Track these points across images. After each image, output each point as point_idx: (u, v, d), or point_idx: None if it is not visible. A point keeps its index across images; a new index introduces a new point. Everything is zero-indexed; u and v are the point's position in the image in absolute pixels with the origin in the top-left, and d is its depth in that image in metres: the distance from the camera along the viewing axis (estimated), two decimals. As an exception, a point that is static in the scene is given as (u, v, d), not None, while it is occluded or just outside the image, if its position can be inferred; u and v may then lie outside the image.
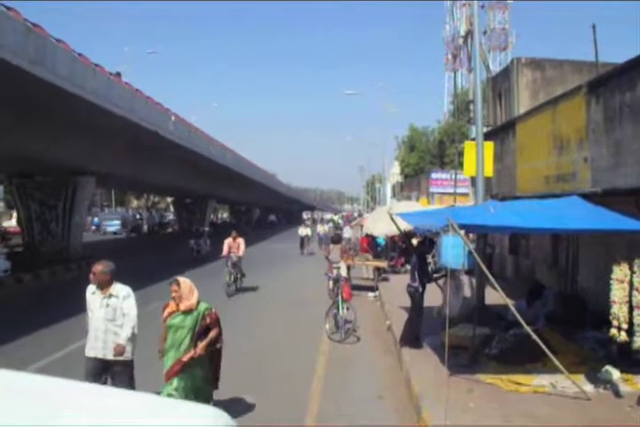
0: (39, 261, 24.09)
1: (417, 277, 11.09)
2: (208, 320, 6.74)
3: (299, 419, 7.52)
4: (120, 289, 7.08)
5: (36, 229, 27.09)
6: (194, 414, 1.56)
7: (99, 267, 7.01)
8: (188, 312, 6.66)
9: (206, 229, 39.69)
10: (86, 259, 27.48)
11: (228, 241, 18.67)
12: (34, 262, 23.64)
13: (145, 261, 28.76)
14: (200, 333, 6.68)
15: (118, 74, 22.03)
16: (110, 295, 6.98)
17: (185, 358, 6.50)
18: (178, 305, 6.70)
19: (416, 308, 11.01)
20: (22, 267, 22.50)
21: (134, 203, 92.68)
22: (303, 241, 35.85)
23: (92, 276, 7.06)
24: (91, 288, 7.17)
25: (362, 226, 26.65)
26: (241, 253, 18.60)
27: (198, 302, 6.76)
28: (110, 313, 6.94)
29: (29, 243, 27.34)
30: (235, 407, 7.30)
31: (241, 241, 18.70)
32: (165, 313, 6.81)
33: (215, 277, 19.45)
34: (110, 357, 6.88)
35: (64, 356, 10.50)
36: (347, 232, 31.81)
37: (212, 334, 6.77)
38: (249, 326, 13.56)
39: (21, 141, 20.21)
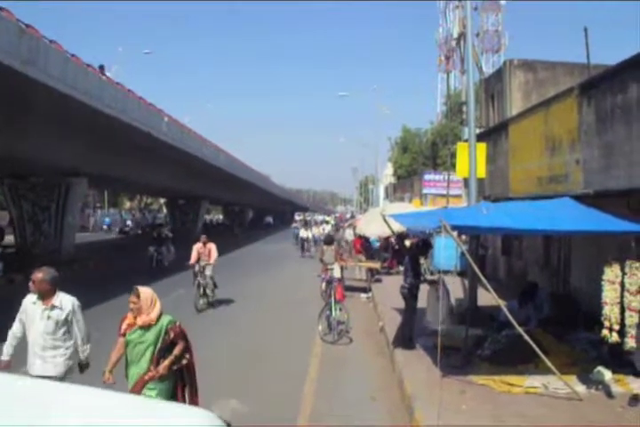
0: (31, 262, 23.98)
1: (409, 277, 11.10)
2: (172, 335, 6.00)
3: (291, 421, 7.51)
4: (65, 300, 6.34)
5: (28, 229, 27.04)
6: (183, 414, 1.56)
7: (39, 274, 6.24)
8: (147, 327, 5.94)
9: (169, 233, 31.61)
10: (79, 260, 27.50)
11: (196, 247, 16.40)
12: (26, 263, 23.53)
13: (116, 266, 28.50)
14: (163, 349, 5.95)
15: (101, 67, 21.42)
16: (53, 307, 6.24)
17: (147, 378, 5.85)
18: (136, 318, 5.98)
19: (409, 309, 11.02)
20: (14, 268, 22.42)
21: (127, 204, 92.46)
22: (304, 243, 35.45)
23: (31, 284, 6.33)
24: (31, 298, 6.39)
25: (355, 227, 26.67)
26: (212, 260, 16.25)
27: (160, 316, 6.03)
28: (51, 326, 6.23)
29: (22, 244, 27.27)
30: (221, 411, 7.28)
31: (212, 247, 16.45)
32: (124, 326, 6.06)
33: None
34: (51, 373, 6.29)
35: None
36: (348, 234, 31.34)
37: (177, 350, 6.00)
38: (239, 329, 13.55)
39: (13, 142, 20.14)
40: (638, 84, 7.89)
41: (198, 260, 16.18)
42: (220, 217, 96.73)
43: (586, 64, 15.21)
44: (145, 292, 6.07)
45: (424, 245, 12.55)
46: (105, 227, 67.35)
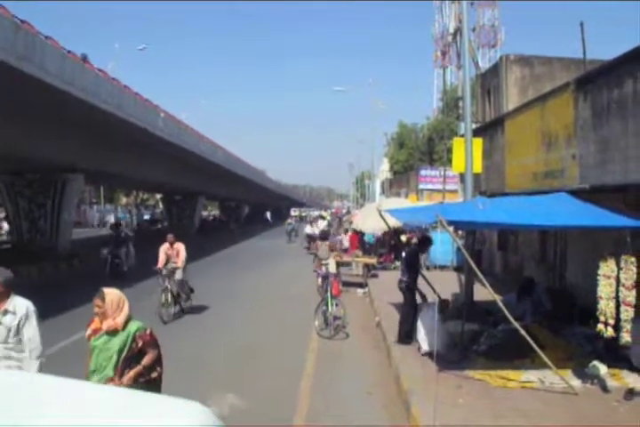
0: (28, 259, 23.97)
1: (407, 272, 11.14)
2: (140, 343, 5.45)
3: (288, 416, 7.53)
4: (20, 305, 5.72)
5: (24, 226, 26.99)
6: (177, 408, 1.57)
7: None
8: (113, 333, 5.42)
9: (130, 233, 27.27)
10: (76, 256, 27.49)
11: (163, 248, 14.47)
12: (22, 260, 23.52)
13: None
14: (130, 358, 5.41)
15: (84, 56, 20.82)
16: (5, 311, 5.63)
17: None
18: (102, 323, 5.46)
19: (408, 304, 11.06)
20: (10, 264, 22.36)
21: (123, 200, 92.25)
22: (310, 239, 34.07)
23: None
24: None
25: (351, 222, 26.71)
26: (180, 262, 14.37)
27: (128, 321, 5.48)
28: (2, 334, 5.62)
29: (18, 240, 27.24)
30: (218, 406, 7.29)
31: (180, 247, 14.56)
32: (89, 331, 5.57)
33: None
34: None
35: (54, 353, 10.45)
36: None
37: (147, 360, 5.47)
38: (235, 325, 13.57)
39: (9, 138, 20.11)
40: (634, 79, 7.90)
41: (167, 263, 14.39)
42: (216, 213, 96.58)
43: (582, 59, 15.21)
44: (111, 294, 5.49)
45: (425, 241, 12.52)
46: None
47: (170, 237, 14.71)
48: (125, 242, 22.81)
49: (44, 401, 1.54)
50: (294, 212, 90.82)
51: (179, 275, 14.41)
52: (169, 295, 13.95)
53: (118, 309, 5.43)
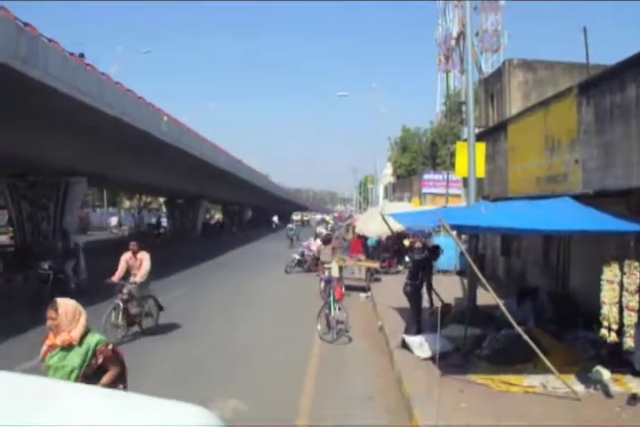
0: (30, 262, 23.98)
1: (415, 277, 11.26)
2: (101, 359, 4.98)
3: (290, 420, 7.52)
4: None
5: (27, 229, 27.02)
6: (180, 412, 1.56)
7: None
8: (68, 348, 4.91)
9: (79, 243, 21.70)
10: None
11: (125, 257, 12.53)
12: (25, 262, 23.53)
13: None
14: (89, 375, 4.90)
15: (82, 55, 20.70)
16: None
17: None
18: (56, 337, 4.93)
19: (414, 307, 11.13)
20: (13, 267, 22.40)
21: (126, 203, 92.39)
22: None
23: None
24: None
25: (354, 226, 26.66)
26: (139, 276, 12.24)
27: (86, 334, 4.95)
28: None
29: (21, 243, 27.26)
30: (221, 410, 7.28)
31: (144, 257, 12.55)
32: (44, 347, 5.04)
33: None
34: None
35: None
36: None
37: (107, 377, 5.00)
38: (238, 329, 13.55)
39: (13, 141, 20.14)
40: (637, 83, 7.90)
41: (127, 275, 12.46)
42: (220, 216, 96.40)
43: (585, 64, 15.22)
44: (65, 304, 4.93)
45: (435, 250, 12.52)
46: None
47: (133, 244, 12.75)
48: (74, 253, 19.55)
49: (44, 404, 1.53)
50: (296, 216, 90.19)
51: (137, 290, 12.30)
52: (120, 315, 11.80)
53: (74, 320, 4.89)
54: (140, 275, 12.32)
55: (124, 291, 12.05)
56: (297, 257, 25.01)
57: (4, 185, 27.02)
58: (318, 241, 24.39)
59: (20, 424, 1.42)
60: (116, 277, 12.21)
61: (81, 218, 62.20)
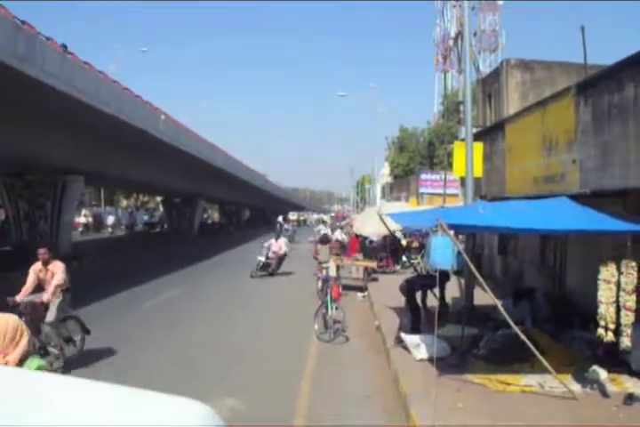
0: (27, 261, 23.93)
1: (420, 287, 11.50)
2: None
3: (287, 419, 7.51)
4: None
5: (24, 227, 26.99)
6: (180, 407, 1.55)
7: None
8: None
9: None
10: (76, 258, 27.47)
11: (34, 268, 9.89)
12: (22, 261, 23.47)
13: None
14: None
15: (64, 46, 20.22)
16: None
17: None
18: None
19: (410, 304, 11.24)
20: (10, 266, 22.36)
21: (124, 202, 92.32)
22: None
23: None
24: None
25: (346, 227, 26.64)
26: (46, 296, 9.44)
27: (25, 359, 3.94)
28: None
29: (18, 242, 27.23)
30: (218, 409, 7.28)
31: (57, 268, 9.79)
32: None
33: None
34: None
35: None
36: (338, 234, 29.30)
37: None
38: (235, 328, 13.54)
39: (9, 140, 20.11)
40: (635, 83, 7.90)
41: (33, 291, 9.82)
42: (216, 216, 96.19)
43: (582, 64, 15.23)
44: (5, 322, 3.82)
45: (443, 277, 12.42)
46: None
47: (42, 252, 10.01)
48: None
49: (44, 399, 1.52)
50: (293, 215, 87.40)
51: (51, 314, 9.46)
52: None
53: (12, 342, 3.85)
54: (48, 292, 9.51)
55: (35, 312, 9.27)
56: (262, 260, 22.78)
57: (1, 184, 26.99)
58: (281, 240, 23.11)
59: (22, 424, 1.40)
60: (21, 295, 9.50)
61: (95, 216, 62.41)
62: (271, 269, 22.82)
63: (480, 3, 61.07)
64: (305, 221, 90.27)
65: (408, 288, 11.83)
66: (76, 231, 50.31)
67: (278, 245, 22.95)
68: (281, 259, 23.05)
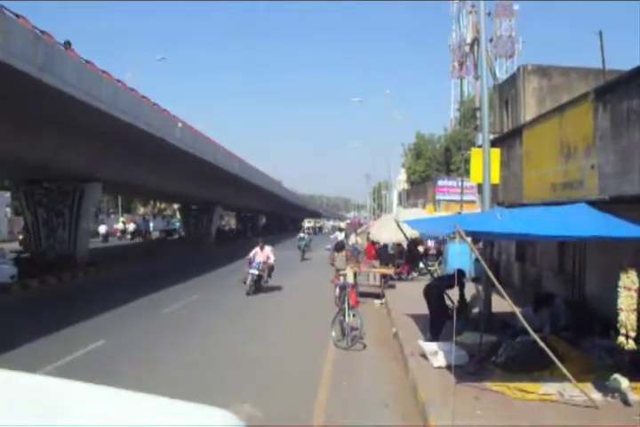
0: (45, 268, 24.12)
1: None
2: None
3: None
4: None
5: (42, 234, 27.19)
6: (202, 415, 1.55)
7: None
8: None
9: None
10: (93, 265, 27.67)
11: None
12: (40, 268, 23.67)
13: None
14: None
15: (67, 43, 19.63)
16: None
17: None
18: None
19: (437, 310, 11.33)
20: (29, 273, 22.55)
21: (141, 210, 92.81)
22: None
23: None
24: None
25: (368, 233, 26.58)
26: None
27: None
28: None
29: (36, 249, 27.45)
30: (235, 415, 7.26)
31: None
32: None
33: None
34: None
35: (69, 362, 10.51)
36: (352, 240, 28.61)
37: None
38: (255, 334, 13.54)
39: (29, 148, 20.32)
40: (654, 88, 7.84)
41: None
42: (233, 223, 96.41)
43: (600, 70, 15.16)
44: None
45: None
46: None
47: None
48: None
49: (67, 407, 1.52)
50: (309, 222, 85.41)
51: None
52: None
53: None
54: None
55: None
56: (255, 272, 19.75)
57: (21, 192, 27.24)
58: (267, 249, 20.00)
59: (39, 425, 1.40)
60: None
61: (138, 223, 63.44)
62: (263, 281, 20.35)
63: (496, 8, 61.06)
64: (321, 228, 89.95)
65: (438, 294, 11.79)
66: (113, 237, 55.56)
67: (265, 254, 20.07)
68: (270, 269, 20.58)
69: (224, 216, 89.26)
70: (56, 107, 17.92)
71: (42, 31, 15.77)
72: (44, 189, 26.92)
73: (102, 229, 55.96)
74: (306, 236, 38.38)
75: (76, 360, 10.66)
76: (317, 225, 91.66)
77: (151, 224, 70.14)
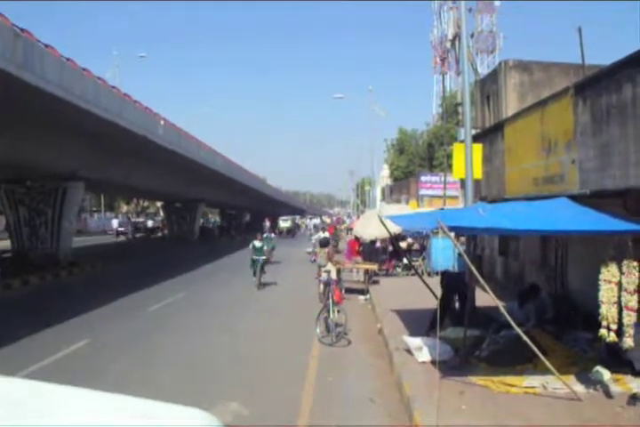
0: (28, 267, 23.96)
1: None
2: None
3: (291, 423, 7.51)
4: None
5: (25, 234, 27.00)
6: (182, 416, 1.56)
7: None
8: None
9: None
10: (76, 264, 27.49)
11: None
12: (23, 268, 23.51)
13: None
14: None
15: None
16: None
17: None
18: None
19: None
20: (11, 273, 22.38)
21: (124, 208, 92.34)
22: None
23: None
24: None
25: (351, 229, 26.57)
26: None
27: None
28: None
29: (18, 248, 27.25)
30: (221, 413, 7.27)
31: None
32: None
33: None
34: None
35: (53, 362, 10.46)
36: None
37: None
38: (238, 332, 13.54)
39: (10, 146, 20.14)
40: (633, 83, 7.91)
41: None
42: (217, 219, 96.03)
43: (581, 65, 15.23)
44: None
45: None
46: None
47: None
48: None
49: (46, 410, 1.52)
50: (284, 222, 66.75)
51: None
52: None
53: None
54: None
55: None
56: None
57: (2, 191, 27.01)
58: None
59: None
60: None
61: (162, 227, 64.81)
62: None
63: (477, 4, 61.23)
64: (298, 227, 72.69)
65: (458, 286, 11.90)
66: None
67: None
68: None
69: (208, 213, 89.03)
70: (37, 105, 17.77)
71: (22, 29, 15.61)
72: (25, 187, 26.72)
73: (114, 223, 56.56)
74: (266, 244, 21.37)
75: (59, 360, 10.61)
76: (292, 224, 67.71)
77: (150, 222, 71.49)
